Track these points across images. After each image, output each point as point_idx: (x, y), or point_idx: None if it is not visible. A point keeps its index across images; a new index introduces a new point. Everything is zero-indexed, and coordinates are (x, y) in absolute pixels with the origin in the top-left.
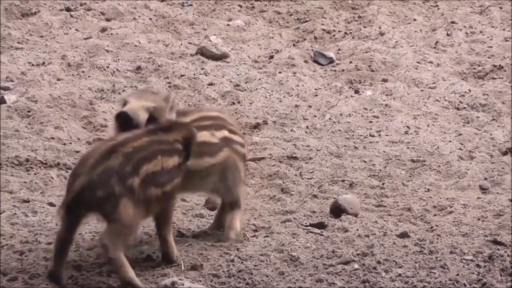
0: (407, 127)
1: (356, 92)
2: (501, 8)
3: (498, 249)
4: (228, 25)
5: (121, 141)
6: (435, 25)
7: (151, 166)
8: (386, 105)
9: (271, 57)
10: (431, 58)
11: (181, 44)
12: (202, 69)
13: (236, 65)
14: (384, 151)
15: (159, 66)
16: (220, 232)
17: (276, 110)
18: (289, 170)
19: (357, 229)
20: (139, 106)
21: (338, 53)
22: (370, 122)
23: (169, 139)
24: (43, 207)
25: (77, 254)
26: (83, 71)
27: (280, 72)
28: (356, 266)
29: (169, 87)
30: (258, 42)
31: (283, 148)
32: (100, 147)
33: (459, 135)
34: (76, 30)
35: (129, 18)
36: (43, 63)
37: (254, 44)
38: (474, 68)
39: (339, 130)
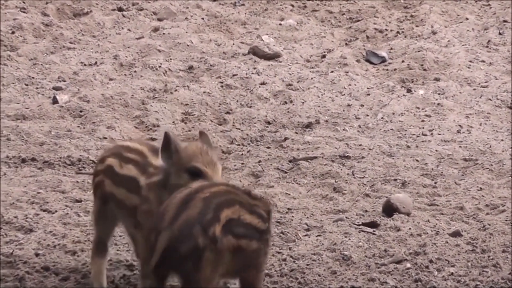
0: (460, 126)
1: (409, 91)
2: None
3: None
4: (280, 24)
5: (196, 188)
6: (487, 24)
7: (230, 213)
8: (438, 104)
9: (323, 56)
10: (483, 57)
11: (233, 44)
12: (254, 68)
13: (288, 64)
14: (436, 150)
15: (211, 65)
16: None
17: (328, 109)
18: (341, 169)
19: (410, 228)
20: None
21: (390, 52)
22: (423, 121)
23: (249, 200)
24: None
25: (129, 254)
26: (135, 71)
27: (332, 72)
28: (408, 265)
29: (221, 86)
30: (310, 41)
31: (335, 147)
32: (176, 198)
33: None
34: (128, 30)
35: (181, 18)
36: (95, 63)
37: (306, 43)
38: None
39: (392, 129)
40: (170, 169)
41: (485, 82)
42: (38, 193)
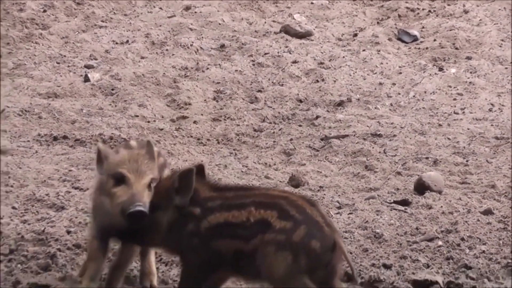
0: (491, 104)
1: (440, 69)
2: None
3: None
4: (312, 3)
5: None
6: None
7: None
8: (470, 82)
9: (355, 35)
10: None
11: (265, 22)
12: (286, 47)
13: (320, 43)
14: (468, 129)
15: (242, 44)
16: None
17: (360, 88)
18: (373, 148)
19: (441, 206)
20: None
21: (422, 31)
22: (454, 99)
23: None
24: None
25: None
26: (166, 49)
27: (364, 50)
28: (440, 243)
29: (253, 65)
30: (342, 20)
31: (367, 126)
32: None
33: None
34: (160, 8)
35: None
36: (127, 41)
37: (338, 22)
38: None
39: (423, 108)
40: (102, 177)
41: None
42: (70, 171)
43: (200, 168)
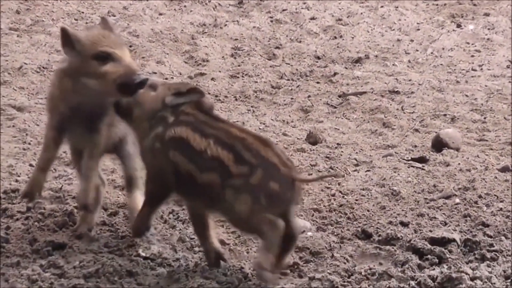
0: (509, 61)
1: (458, 26)
2: None
3: None
4: None
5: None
6: None
7: None
8: (488, 39)
9: None
10: None
11: None
12: (304, 3)
13: None
14: (486, 85)
15: (260, 0)
16: None
17: (378, 44)
18: (390, 105)
19: (459, 164)
20: None
21: None
22: (472, 56)
23: None
24: None
25: None
26: (185, 6)
27: (382, 7)
28: (457, 200)
29: (271, 21)
30: None
31: (385, 83)
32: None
33: None
34: None
35: None
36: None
37: None
38: None
39: (441, 64)
40: (76, 60)
41: None
42: None
43: (209, 106)
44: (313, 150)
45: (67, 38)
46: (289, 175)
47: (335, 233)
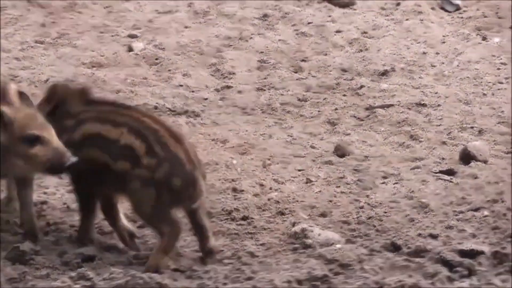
0: None
1: (484, 39)
2: None
3: None
4: None
5: None
6: None
7: None
8: None
9: (398, 4)
10: None
11: None
12: (329, 16)
13: (363, 12)
14: None
15: (286, 13)
16: None
17: (403, 57)
18: (417, 117)
19: (487, 176)
20: None
21: (464, 0)
22: (498, 69)
23: None
24: None
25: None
26: (210, 19)
27: (407, 19)
28: (486, 212)
29: (297, 34)
30: None
31: (412, 95)
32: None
33: None
34: None
35: None
36: (170, 11)
37: None
38: None
39: (467, 77)
40: (5, 139)
41: None
42: None
43: (83, 91)
44: (341, 162)
45: (3, 121)
46: (192, 173)
47: (364, 245)
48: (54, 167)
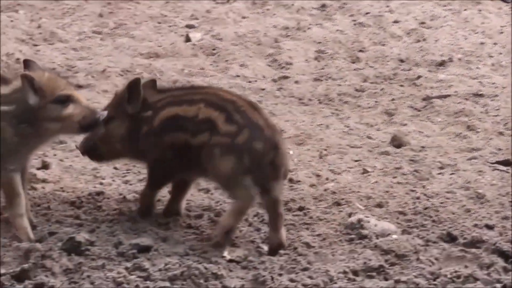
0: None
1: None
2: None
3: None
4: None
5: None
6: None
7: None
8: None
9: None
10: None
11: None
12: (387, 6)
13: (421, 2)
14: None
15: (344, 3)
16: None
17: (461, 48)
18: (474, 108)
19: None
20: None
21: None
22: None
23: None
24: None
25: None
26: (267, 9)
27: (465, 10)
28: None
29: (354, 24)
30: None
31: (469, 85)
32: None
33: None
34: None
35: None
36: (228, 1)
37: None
38: None
39: None
40: (37, 105)
41: None
42: None
43: (151, 83)
44: (398, 153)
45: (33, 86)
46: (273, 137)
47: (420, 236)
48: (88, 124)
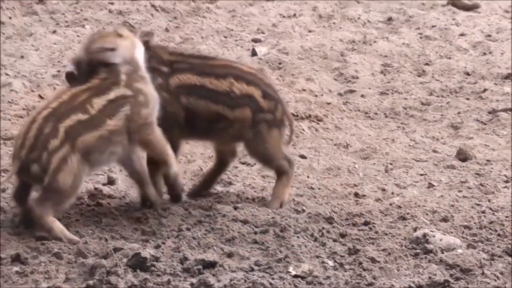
0: None
1: None
2: None
3: None
4: None
5: None
6: None
7: None
8: None
9: None
10: None
11: None
12: (453, 19)
13: (487, 15)
14: None
15: (410, 17)
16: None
17: None
18: None
19: None
20: None
21: None
22: None
23: None
24: (294, 159)
25: (328, 206)
26: (334, 23)
27: None
28: None
29: (420, 37)
30: None
31: None
32: None
33: None
34: None
35: None
36: (294, 14)
37: None
38: None
39: None
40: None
41: None
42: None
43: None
44: (463, 166)
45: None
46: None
47: (486, 250)
48: None
